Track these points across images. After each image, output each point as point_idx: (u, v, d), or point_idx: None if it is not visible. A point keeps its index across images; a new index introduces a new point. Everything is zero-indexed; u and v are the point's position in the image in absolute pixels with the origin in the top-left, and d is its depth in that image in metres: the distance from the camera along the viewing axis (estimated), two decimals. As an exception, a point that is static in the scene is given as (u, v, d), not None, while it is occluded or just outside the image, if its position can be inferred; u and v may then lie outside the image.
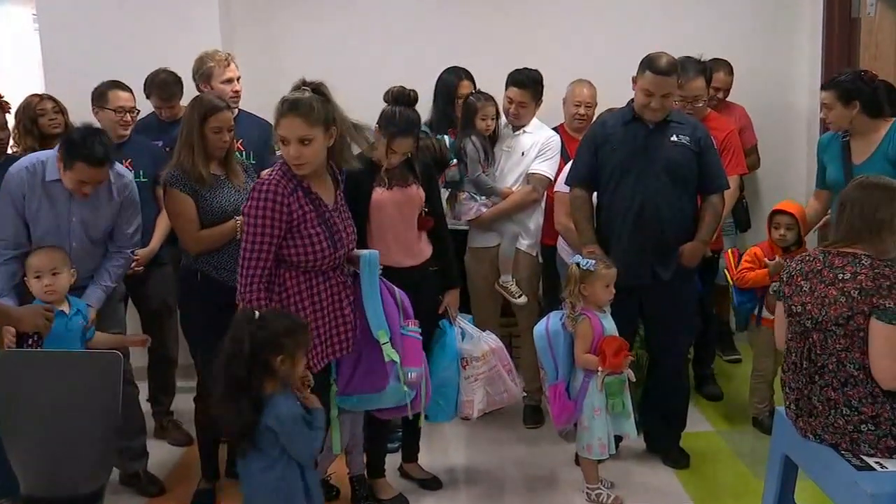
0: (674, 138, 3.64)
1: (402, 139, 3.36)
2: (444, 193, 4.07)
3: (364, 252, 3.13)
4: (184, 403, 4.18)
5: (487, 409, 3.63)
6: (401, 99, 3.37)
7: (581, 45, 5.13)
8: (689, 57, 4.17)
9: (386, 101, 3.39)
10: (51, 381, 2.73)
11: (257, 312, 2.65)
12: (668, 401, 3.86)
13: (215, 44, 4.53)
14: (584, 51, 5.09)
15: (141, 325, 4.17)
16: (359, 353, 3.15)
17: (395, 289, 3.20)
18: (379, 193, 3.42)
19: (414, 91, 3.41)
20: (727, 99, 4.81)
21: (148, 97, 4.37)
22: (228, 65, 4.19)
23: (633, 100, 3.70)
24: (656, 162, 3.61)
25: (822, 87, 3.85)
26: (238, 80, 4.22)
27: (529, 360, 4.22)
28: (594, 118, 4.40)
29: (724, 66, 4.73)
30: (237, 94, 4.19)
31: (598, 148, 3.70)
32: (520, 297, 4.17)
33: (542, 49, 4.85)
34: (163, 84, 4.32)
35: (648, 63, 3.58)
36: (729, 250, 4.19)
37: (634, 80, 3.62)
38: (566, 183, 3.90)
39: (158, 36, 4.70)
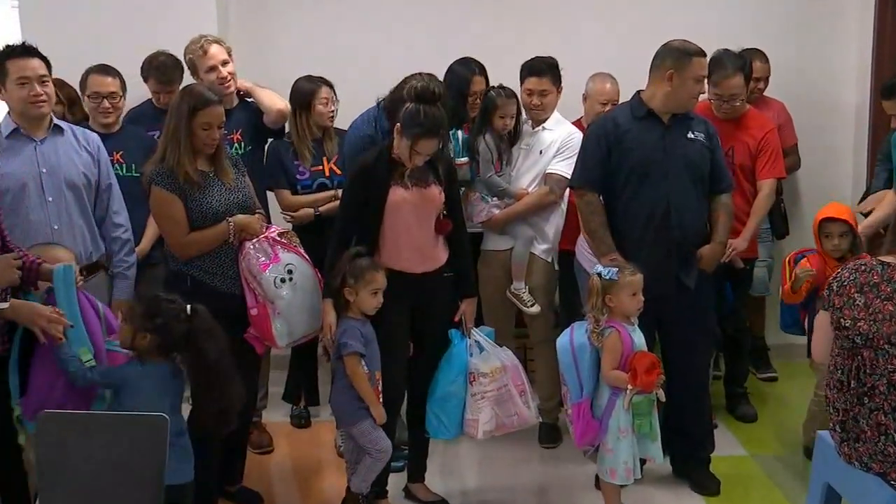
0: (690, 135, 3.64)
1: (426, 140, 3.33)
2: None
3: (57, 266, 3.04)
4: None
5: (496, 431, 3.61)
6: (425, 96, 3.33)
7: (591, 35, 5.07)
8: (726, 50, 4.16)
9: (408, 99, 3.36)
10: (94, 444, 2.72)
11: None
12: (693, 420, 3.82)
13: (210, 28, 4.51)
14: (594, 42, 5.03)
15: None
16: (57, 371, 2.98)
17: (98, 302, 3.13)
18: (396, 193, 3.41)
19: (438, 86, 3.38)
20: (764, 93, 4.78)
21: (145, 81, 4.34)
22: (206, 52, 4.11)
23: (639, 92, 3.68)
24: (676, 161, 3.60)
25: (884, 96, 3.76)
26: (225, 64, 4.13)
27: (545, 374, 4.22)
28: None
29: (758, 55, 4.68)
30: (224, 80, 4.11)
31: (611, 147, 3.64)
32: (532, 305, 4.14)
33: (549, 41, 4.65)
34: (161, 67, 4.27)
35: (685, 50, 3.55)
36: (787, 258, 4.03)
37: (671, 77, 3.56)
38: (571, 185, 3.87)
39: (149, 18, 4.66)
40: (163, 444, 2.71)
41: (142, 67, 4.32)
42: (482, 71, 4.24)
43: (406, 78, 3.62)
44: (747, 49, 4.50)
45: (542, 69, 4.12)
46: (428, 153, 3.37)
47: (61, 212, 3.45)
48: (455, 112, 4.16)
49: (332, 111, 4.29)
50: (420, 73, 3.57)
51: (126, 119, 4.18)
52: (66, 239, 3.43)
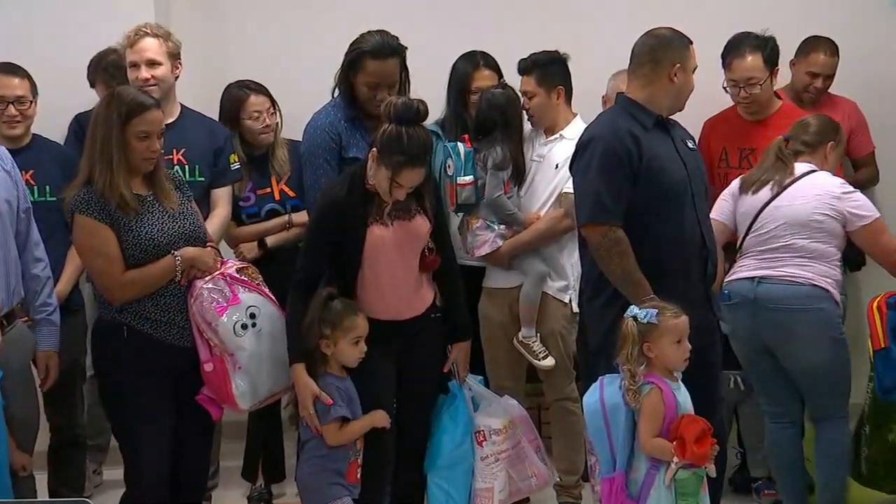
0: (690, 144, 3.72)
1: (411, 170, 3.36)
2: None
3: None
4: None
5: (510, 500, 3.64)
6: (406, 116, 3.36)
7: (619, 26, 5.02)
8: (747, 32, 4.36)
9: (386, 118, 3.38)
10: None
11: None
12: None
13: (147, 17, 4.50)
14: (622, 33, 5.02)
15: (41, 393, 4.09)
16: None
17: None
18: (375, 232, 3.45)
19: (422, 103, 3.41)
20: (830, 91, 4.77)
21: (92, 85, 4.36)
22: (132, 45, 4.07)
23: (626, 96, 3.65)
24: (698, 177, 3.66)
25: None
26: (153, 64, 4.05)
27: (564, 441, 4.20)
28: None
29: (825, 44, 4.69)
30: (146, 82, 4.01)
31: (637, 168, 3.56)
32: (545, 358, 4.11)
33: (569, 34, 4.83)
34: (114, 67, 4.25)
35: (683, 39, 3.62)
36: (874, 303, 3.89)
37: (677, 72, 3.57)
38: (591, 221, 3.68)
39: (77, 11, 4.71)
40: None
41: (88, 68, 4.32)
42: (490, 64, 4.27)
43: (357, 39, 3.79)
44: (812, 37, 4.55)
45: (525, 67, 4.14)
46: (412, 185, 3.40)
47: None
48: (455, 115, 4.16)
49: (267, 125, 4.27)
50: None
51: (73, 124, 4.15)
52: None
